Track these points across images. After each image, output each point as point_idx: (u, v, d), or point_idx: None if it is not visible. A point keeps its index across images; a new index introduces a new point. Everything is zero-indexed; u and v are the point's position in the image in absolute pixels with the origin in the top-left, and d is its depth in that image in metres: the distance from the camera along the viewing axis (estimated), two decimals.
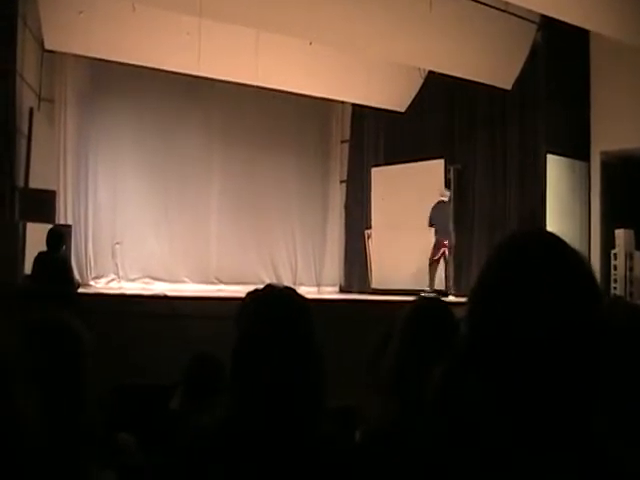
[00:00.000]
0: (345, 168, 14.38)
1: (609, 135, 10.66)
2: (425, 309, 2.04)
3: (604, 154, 10.94)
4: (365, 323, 6.27)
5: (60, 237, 7.15)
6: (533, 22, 10.77)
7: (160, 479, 1.78)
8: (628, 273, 10.14)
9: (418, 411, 1.70)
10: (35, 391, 1.09)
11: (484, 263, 1.06)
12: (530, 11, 9.97)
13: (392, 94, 12.57)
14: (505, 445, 0.92)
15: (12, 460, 0.94)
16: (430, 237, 11.12)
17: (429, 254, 10.93)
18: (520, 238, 1.06)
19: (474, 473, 0.93)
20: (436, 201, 11.07)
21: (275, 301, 1.70)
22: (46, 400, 1.28)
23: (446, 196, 11.16)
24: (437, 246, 10.88)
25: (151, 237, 12.10)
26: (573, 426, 0.92)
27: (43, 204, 8.77)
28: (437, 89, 12.15)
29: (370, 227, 13.17)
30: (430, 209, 11.01)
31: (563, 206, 10.89)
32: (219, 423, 1.62)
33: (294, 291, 1.76)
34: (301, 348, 1.60)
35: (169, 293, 8.48)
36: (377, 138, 13.71)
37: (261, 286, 1.84)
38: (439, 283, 11.09)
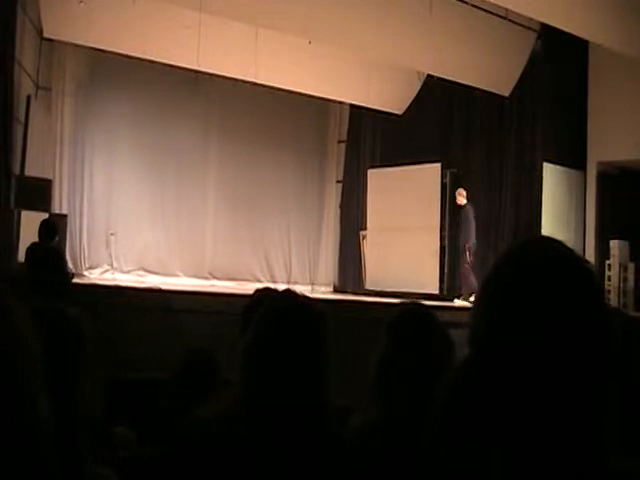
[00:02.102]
0: (341, 168, 14.37)
1: (606, 146, 10.69)
2: (408, 315, 2.05)
3: (601, 164, 10.97)
4: (358, 324, 6.27)
5: (53, 229, 7.10)
6: (533, 30, 10.80)
7: (159, 472, 1.78)
8: (622, 284, 10.18)
9: (401, 416, 1.74)
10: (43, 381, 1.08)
11: (490, 271, 1.03)
12: (530, 19, 10.00)
13: (390, 96, 12.57)
14: (512, 451, 0.91)
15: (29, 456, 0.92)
16: (426, 239, 11.13)
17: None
18: (526, 247, 1.04)
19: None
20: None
21: (294, 308, 1.73)
22: (47, 389, 1.26)
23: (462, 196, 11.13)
24: (462, 251, 10.93)
25: (146, 229, 12.07)
26: (578, 436, 0.92)
27: (39, 192, 8.74)
28: (435, 93, 12.15)
29: (365, 228, 13.17)
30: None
31: (558, 215, 10.91)
32: (222, 417, 1.63)
33: (310, 299, 1.79)
34: (313, 356, 1.63)
35: (162, 287, 8.45)
36: (374, 140, 13.71)
37: (274, 285, 1.87)
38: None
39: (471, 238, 10.80)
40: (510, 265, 1.01)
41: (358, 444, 1.80)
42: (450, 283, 11.61)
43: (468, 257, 10.74)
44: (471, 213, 10.91)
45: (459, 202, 11.11)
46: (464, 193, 11.13)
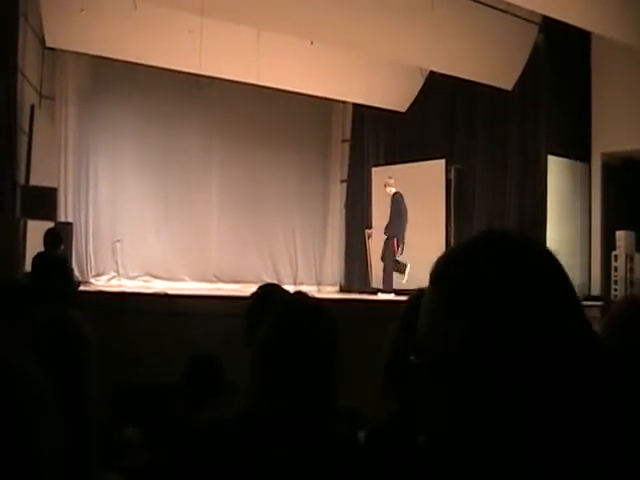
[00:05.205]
0: (345, 168, 14.36)
1: (610, 136, 10.66)
2: (419, 301, 1.99)
3: (605, 155, 10.94)
4: (365, 323, 6.27)
5: (58, 237, 7.13)
6: (535, 23, 10.77)
7: (167, 478, 1.79)
8: (629, 275, 10.13)
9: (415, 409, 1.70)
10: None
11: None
12: (532, 12, 9.96)
13: (393, 94, 12.56)
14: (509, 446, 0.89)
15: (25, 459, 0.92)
16: (431, 235, 11.12)
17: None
18: (475, 244, 0.95)
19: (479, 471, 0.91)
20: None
21: (306, 314, 1.71)
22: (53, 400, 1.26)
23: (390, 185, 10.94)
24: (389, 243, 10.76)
25: (151, 235, 12.10)
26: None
27: (44, 201, 8.77)
28: (438, 89, 12.13)
29: (370, 227, 13.16)
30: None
31: (564, 207, 10.89)
32: (230, 422, 1.63)
33: (322, 302, 1.77)
34: (325, 362, 1.62)
35: (169, 291, 8.47)
36: (377, 138, 13.70)
37: (287, 287, 1.85)
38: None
39: (400, 230, 10.59)
40: (458, 266, 0.93)
41: (380, 440, 1.77)
42: None
43: (395, 250, 10.56)
44: (401, 202, 10.72)
45: (388, 191, 10.91)
46: (392, 182, 10.96)
